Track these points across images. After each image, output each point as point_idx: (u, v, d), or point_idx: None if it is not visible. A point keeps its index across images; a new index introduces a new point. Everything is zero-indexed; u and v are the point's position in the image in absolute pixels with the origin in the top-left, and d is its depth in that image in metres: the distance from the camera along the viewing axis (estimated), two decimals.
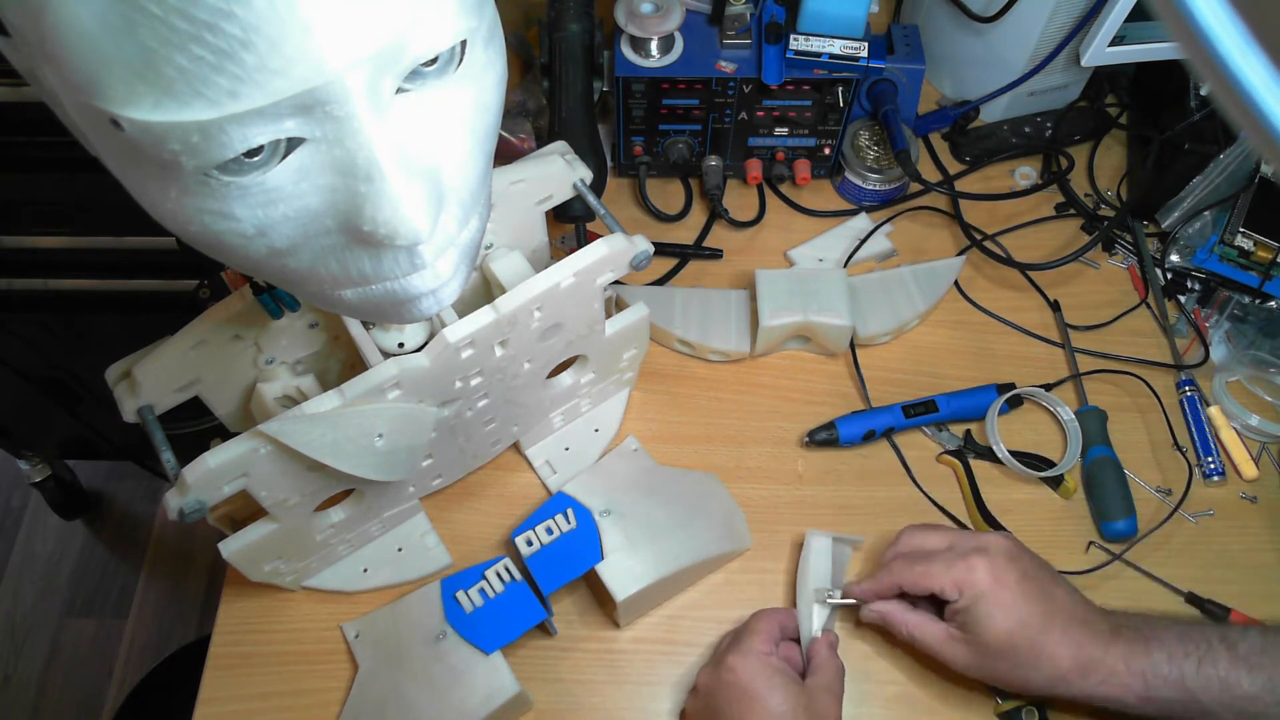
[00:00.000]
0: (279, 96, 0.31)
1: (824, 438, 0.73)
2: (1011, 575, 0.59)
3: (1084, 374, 0.77)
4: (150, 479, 1.65)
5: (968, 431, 0.74)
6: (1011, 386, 0.75)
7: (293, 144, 0.34)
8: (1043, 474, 0.72)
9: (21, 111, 0.87)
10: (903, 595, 0.62)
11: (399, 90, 0.36)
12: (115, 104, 0.31)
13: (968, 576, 0.59)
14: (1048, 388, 0.76)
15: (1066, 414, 0.74)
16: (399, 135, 0.35)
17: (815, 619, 0.63)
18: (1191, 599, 0.67)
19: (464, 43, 0.37)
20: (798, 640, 0.63)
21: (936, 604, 0.61)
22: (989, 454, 0.73)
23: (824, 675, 0.59)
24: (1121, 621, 0.58)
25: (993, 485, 0.72)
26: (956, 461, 0.73)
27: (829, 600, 0.64)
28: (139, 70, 0.30)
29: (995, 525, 0.69)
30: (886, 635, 0.65)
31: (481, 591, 0.62)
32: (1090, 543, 0.70)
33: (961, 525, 0.71)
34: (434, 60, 0.36)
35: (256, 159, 0.34)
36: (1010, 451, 0.72)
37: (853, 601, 0.64)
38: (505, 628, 0.61)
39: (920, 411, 0.73)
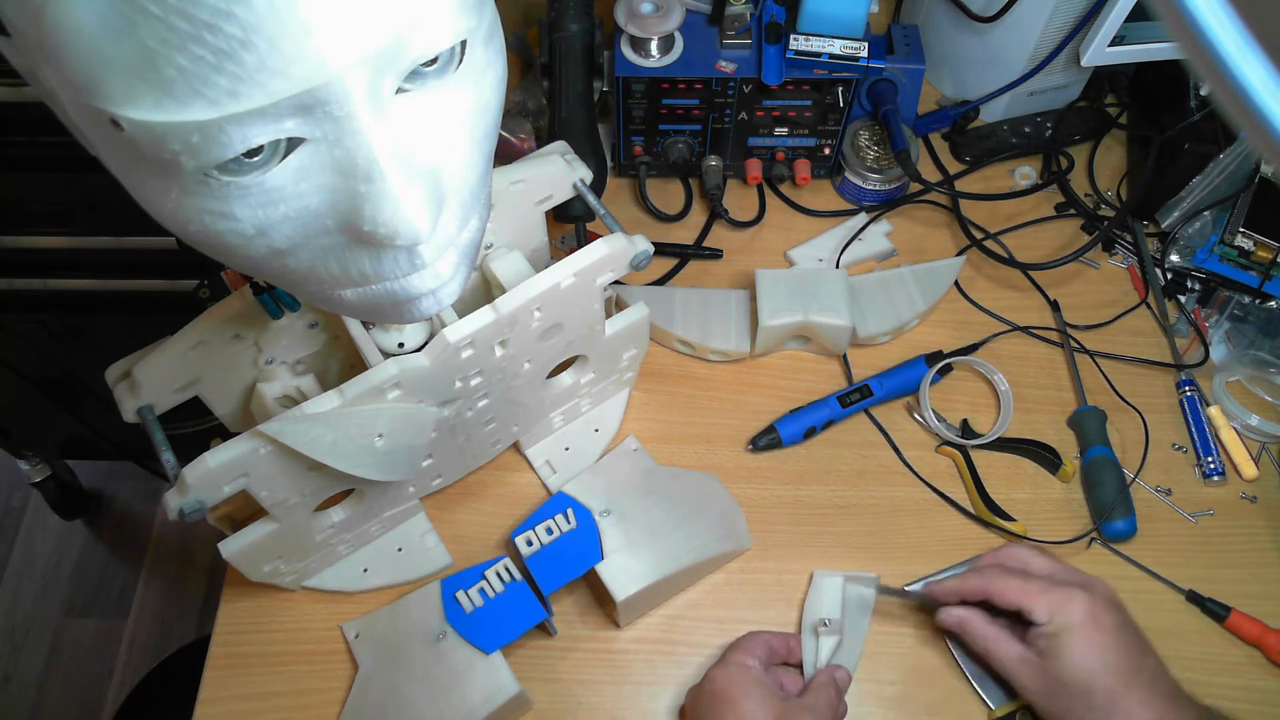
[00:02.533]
0: (279, 96, 0.31)
1: (766, 442, 0.73)
2: (1109, 619, 0.57)
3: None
4: (150, 479, 1.65)
5: (964, 421, 0.74)
6: (940, 355, 0.75)
7: (293, 144, 0.34)
8: (974, 442, 0.73)
9: (21, 111, 0.87)
10: (982, 606, 0.61)
11: (399, 90, 0.36)
12: (115, 104, 0.31)
13: (1065, 604, 0.57)
14: (974, 349, 0.77)
15: (1000, 380, 0.75)
16: (399, 135, 0.35)
17: (821, 650, 0.63)
18: (1192, 598, 0.67)
19: (464, 43, 0.37)
20: (797, 667, 0.63)
21: (1015, 628, 0.60)
22: (997, 445, 0.73)
23: (812, 698, 0.58)
24: (1212, 711, 0.56)
25: (994, 476, 0.72)
26: (956, 452, 0.73)
27: (907, 589, 0.65)
28: (139, 70, 0.30)
29: (1001, 514, 0.69)
30: (885, 638, 0.65)
31: (481, 591, 0.62)
32: (1091, 540, 0.70)
33: (969, 516, 0.71)
34: (434, 60, 0.36)
35: (256, 159, 0.34)
36: (1016, 441, 0.72)
37: (914, 591, 0.65)
38: (505, 628, 0.61)
39: (856, 398, 0.74)
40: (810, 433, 0.73)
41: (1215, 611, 0.67)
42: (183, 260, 1.00)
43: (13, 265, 1.04)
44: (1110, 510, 0.69)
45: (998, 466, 0.73)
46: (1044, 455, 0.73)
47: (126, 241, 1.00)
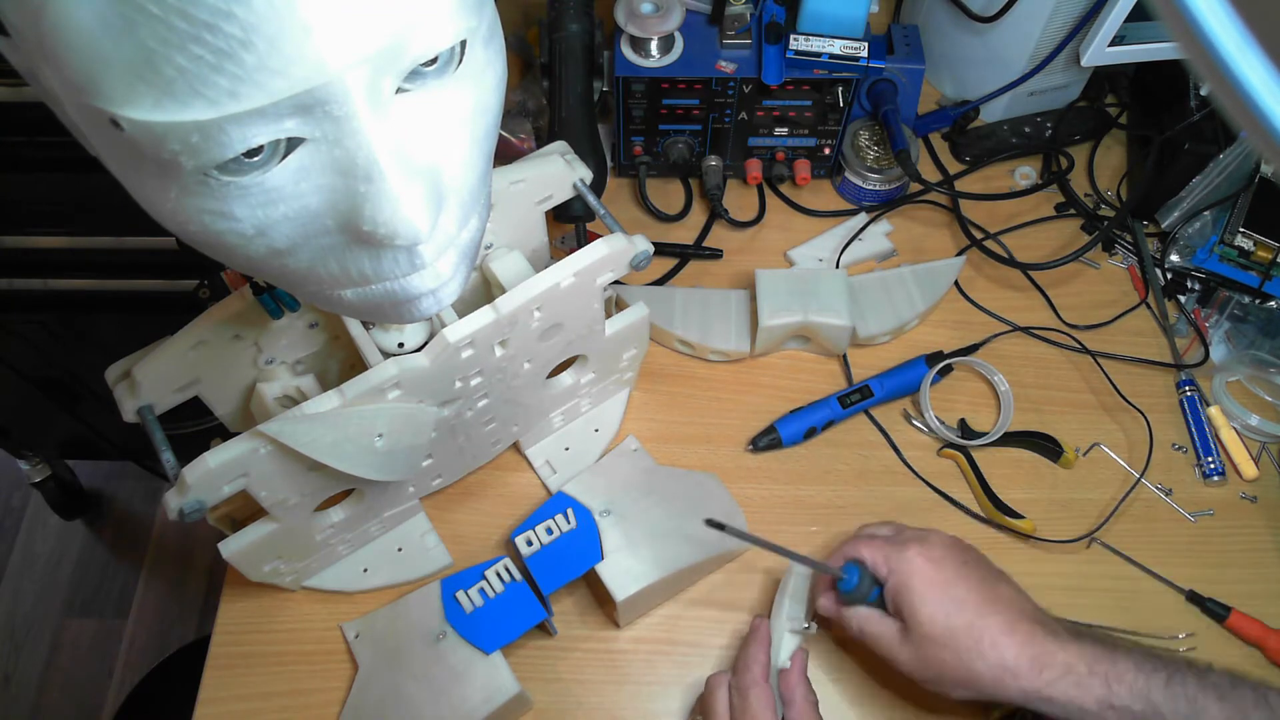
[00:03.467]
0: (279, 96, 0.31)
1: (767, 442, 0.73)
2: (949, 561, 0.56)
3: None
4: (150, 479, 1.65)
5: (962, 420, 0.74)
6: (940, 355, 0.75)
7: (293, 144, 0.34)
8: (976, 443, 0.73)
9: (21, 111, 0.87)
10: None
11: (399, 90, 0.36)
12: (115, 104, 0.31)
13: (898, 554, 0.57)
14: (974, 349, 0.77)
15: (1000, 380, 0.75)
16: (399, 135, 0.35)
17: (782, 650, 0.62)
18: (1192, 598, 0.67)
19: (464, 43, 0.37)
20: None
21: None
22: (998, 439, 0.73)
23: (794, 711, 0.57)
24: (1080, 629, 0.56)
25: (995, 474, 0.72)
26: (959, 454, 0.73)
27: (791, 628, 0.63)
28: (139, 70, 0.30)
29: (1010, 514, 0.69)
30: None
31: (481, 591, 0.62)
32: (1091, 540, 0.70)
33: (973, 516, 0.71)
34: (434, 60, 0.36)
35: (256, 159, 0.34)
36: (1016, 433, 0.72)
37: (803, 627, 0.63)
38: (505, 628, 0.61)
39: (857, 399, 0.74)
40: (810, 433, 0.73)
41: (1215, 611, 0.67)
42: (183, 260, 1.00)
43: (13, 265, 1.04)
44: None
45: (998, 464, 0.73)
46: (1045, 445, 0.73)
47: (126, 241, 1.00)
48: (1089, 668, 0.52)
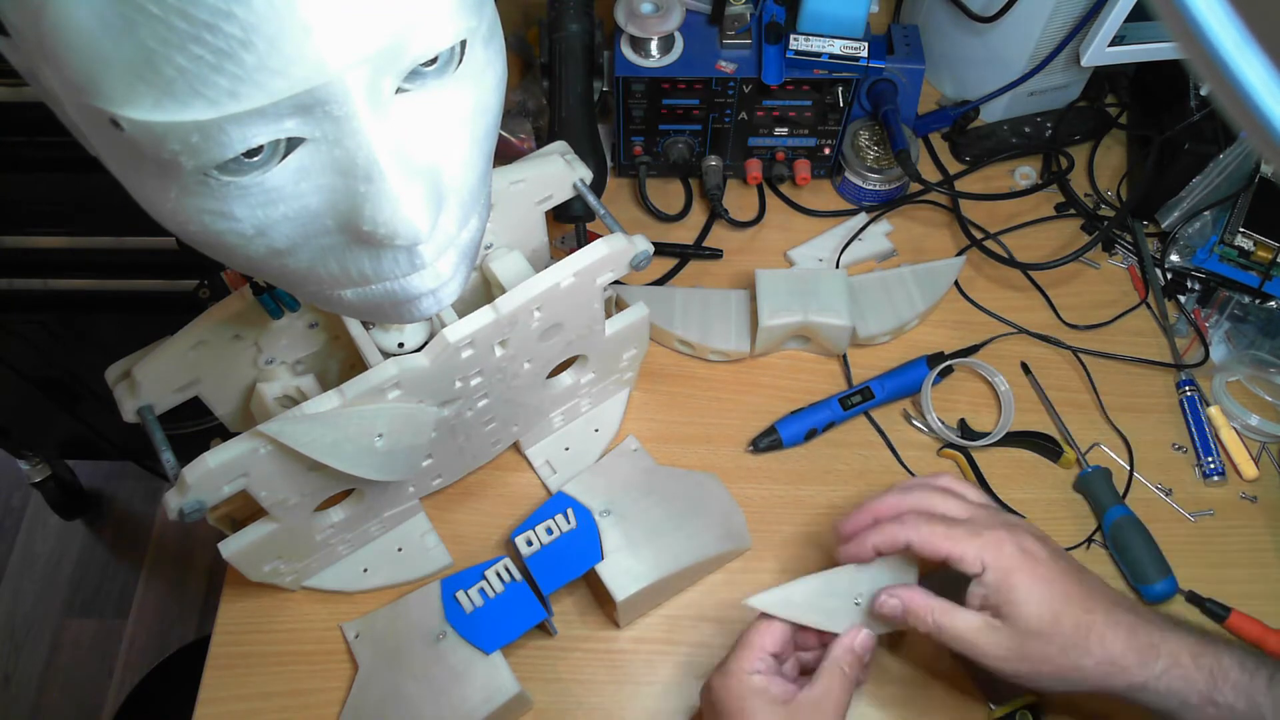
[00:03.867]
0: (279, 96, 0.31)
1: (767, 443, 0.73)
2: (1043, 552, 0.54)
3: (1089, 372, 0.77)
4: (150, 479, 1.65)
5: (962, 420, 0.74)
6: (941, 356, 0.75)
7: (293, 144, 0.34)
8: (976, 444, 0.73)
9: (21, 111, 0.87)
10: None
11: (399, 90, 0.36)
12: (115, 104, 0.31)
13: (996, 549, 0.53)
14: (975, 350, 0.77)
15: (1000, 381, 0.76)
16: (399, 135, 0.35)
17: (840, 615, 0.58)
18: (1192, 598, 0.67)
19: (464, 43, 0.37)
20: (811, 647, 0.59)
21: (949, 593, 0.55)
22: (1004, 440, 0.73)
23: (819, 689, 0.54)
24: (1177, 620, 0.54)
25: (995, 475, 0.72)
26: (959, 454, 0.73)
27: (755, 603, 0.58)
28: (138, 70, 0.30)
29: (1010, 514, 0.69)
30: (884, 637, 0.65)
31: (481, 591, 0.62)
32: (1090, 541, 0.70)
33: None
34: (434, 60, 0.36)
35: (256, 159, 0.34)
36: (1016, 433, 0.72)
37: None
38: (505, 628, 0.61)
39: (858, 400, 0.74)
40: (811, 434, 0.73)
41: (1215, 612, 0.66)
42: (183, 260, 1.00)
43: (13, 265, 1.04)
44: (1147, 573, 0.67)
45: (998, 464, 0.73)
46: (1044, 445, 0.73)
47: (126, 241, 1.00)
48: (1194, 660, 0.51)
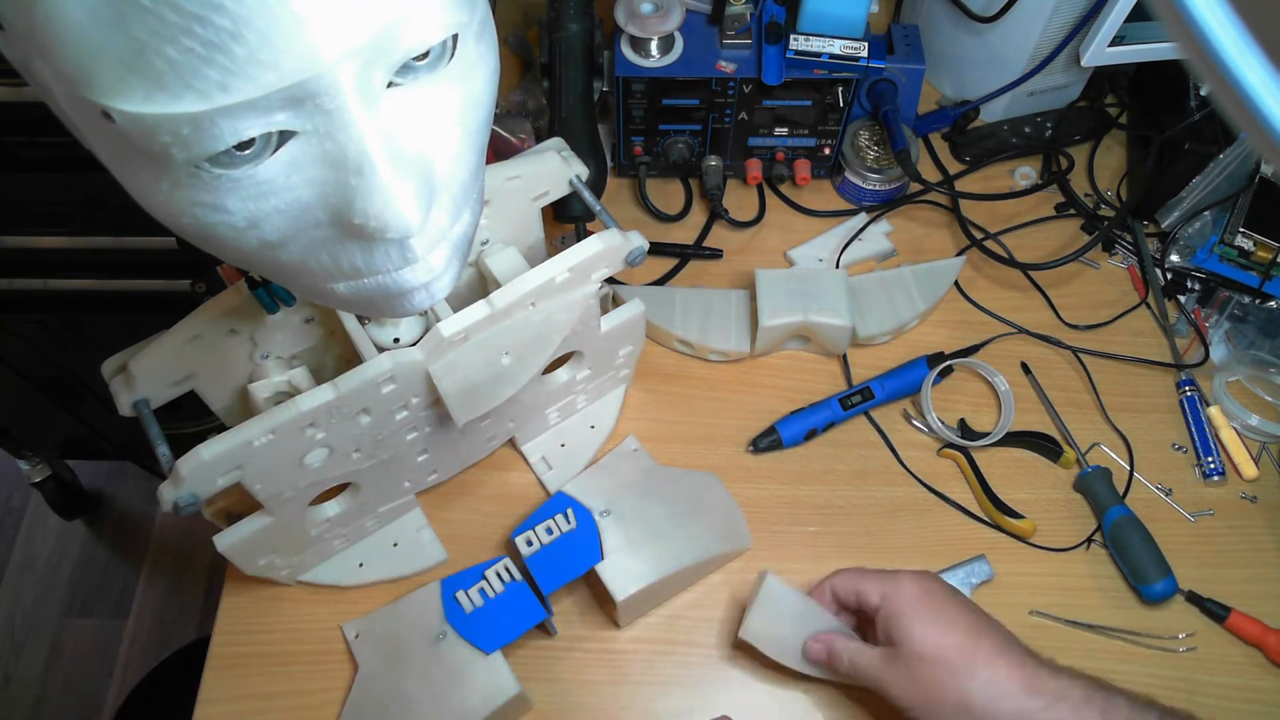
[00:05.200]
0: (269, 89, 0.31)
1: (767, 443, 0.73)
2: (940, 590, 0.57)
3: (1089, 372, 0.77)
4: (150, 479, 1.65)
5: (962, 420, 0.74)
6: (941, 356, 0.75)
7: (284, 137, 0.34)
8: (976, 444, 0.73)
9: (21, 111, 0.87)
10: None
11: (391, 84, 0.36)
12: (106, 96, 0.31)
13: (894, 584, 0.57)
14: (975, 350, 0.77)
15: (1000, 381, 0.75)
16: (390, 129, 0.36)
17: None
18: (1192, 598, 0.67)
19: (455, 37, 0.37)
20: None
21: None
22: (1004, 440, 0.73)
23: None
24: (1068, 667, 0.55)
25: (995, 474, 0.72)
26: (959, 454, 0.73)
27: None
28: (129, 62, 0.30)
29: (1010, 514, 0.69)
30: None
31: (481, 591, 0.62)
32: (1090, 541, 0.70)
33: (972, 517, 0.71)
34: (425, 54, 0.36)
35: (248, 152, 0.34)
36: (1016, 433, 0.72)
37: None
38: (505, 628, 0.61)
39: (857, 400, 0.74)
40: (811, 434, 0.73)
41: (1215, 612, 0.66)
42: (182, 260, 1.00)
43: (13, 265, 1.04)
44: (1147, 573, 0.67)
45: (998, 464, 0.73)
46: (1044, 445, 0.73)
47: (126, 241, 1.00)
48: (1084, 697, 0.52)
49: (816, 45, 0.76)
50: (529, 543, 0.63)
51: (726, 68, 0.77)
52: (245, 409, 0.63)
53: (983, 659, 0.54)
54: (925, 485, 0.72)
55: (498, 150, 0.80)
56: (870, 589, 0.59)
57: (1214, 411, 0.75)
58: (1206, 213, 0.81)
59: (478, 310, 0.55)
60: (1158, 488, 0.72)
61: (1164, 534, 0.70)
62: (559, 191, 0.65)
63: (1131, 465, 0.73)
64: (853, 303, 0.75)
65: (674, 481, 0.69)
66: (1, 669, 1.52)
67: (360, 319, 0.58)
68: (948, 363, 0.75)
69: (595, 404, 0.74)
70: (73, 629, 1.56)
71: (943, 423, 0.74)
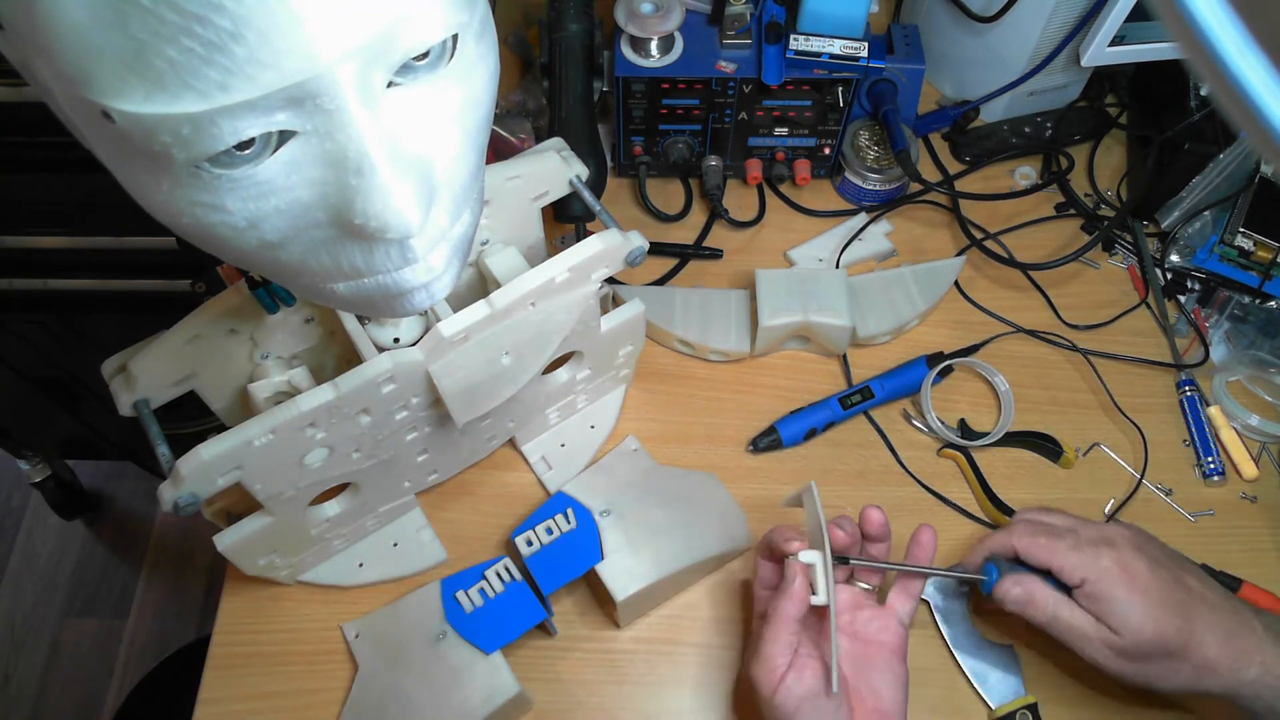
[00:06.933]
0: (269, 89, 0.31)
1: (767, 443, 0.73)
2: (1141, 564, 0.56)
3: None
4: (150, 479, 1.65)
5: (962, 420, 0.74)
6: (941, 356, 0.75)
7: (284, 137, 0.34)
8: (976, 443, 0.73)
9: (21, 111, 0.87)
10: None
11: (391, 84, 0.36)
12: (106, 96, 0.31)
13: (1094, 563, 0.56)
14: (975, 349, 0.77)
15: (1000, 381, 0.76)
16: (390, 129, 0.36)
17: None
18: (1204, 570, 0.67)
19: (455, 37, 0.37)
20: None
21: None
22: (1004, 440, 0.73)
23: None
24: (1272, 621, 0.56)
25: (995, 474, 0.72)
26: (959, 454, 0.73)
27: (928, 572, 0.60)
28: (129, 62, 0.30)
29: (1010, 514, 0.69)
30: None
31: (481, 591, 0.62)
32: None
33: (972, 518, 0.71)
34: (425, 54, 0.36)
35: (248, 152, 0.34)
36: (1016, 433, 0.72)
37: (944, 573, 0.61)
38: (505, 628, 0.61)
39: (857, 400, 0.74)
40: (811, 434, 0.73)
41: (1227, 584, 0.67)
42: (182, 260, 1.00)
43: (13, 265, 1.04)
44: None
45: (998, 464, 0.73)
46: (1044, 445, 0.73)
47: (126, 241, 1.00)
48: None
49: (816, 45, 0.76)
50: (529, 543, 0.63)
51: (726, 68, 0.77)
52: (245, 409, 0.63)
53: (1195, 641, 0.54)
54: (924, 486, 0.72)
55: (498, 150, 0.80)
56: (1066, 566, 0.56)
57: (1214, 411, 0.75)
58: (1206, 213, 0.81)
59: (478, 310, 0.55)
60: (1158, 487, 0.72)
61: (1164, 534, 0.70)
62: (559, 191, 0.65)
63: (1145, 461, 0.73)
64: (853, 303, 0.75)
65: (674, 481, 0.69)
66: (1, 669, 1.52)
67: (360, 319, 0.58)
68: (947, 363, 0.75)
69: (595, 404, 0.74)
70: (73, 629, 1.56)
71: (942, 423, 0.74)
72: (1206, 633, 0.54)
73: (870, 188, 0.84)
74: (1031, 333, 0.79)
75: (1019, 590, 0.58)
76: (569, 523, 0.64)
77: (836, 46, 0.76)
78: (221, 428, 0.64)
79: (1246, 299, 0.79)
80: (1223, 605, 0.56)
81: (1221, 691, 0.55)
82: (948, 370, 0.76)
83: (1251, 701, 0.54)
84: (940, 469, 0.73)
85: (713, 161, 0.84)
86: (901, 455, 0.74)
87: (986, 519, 0.71)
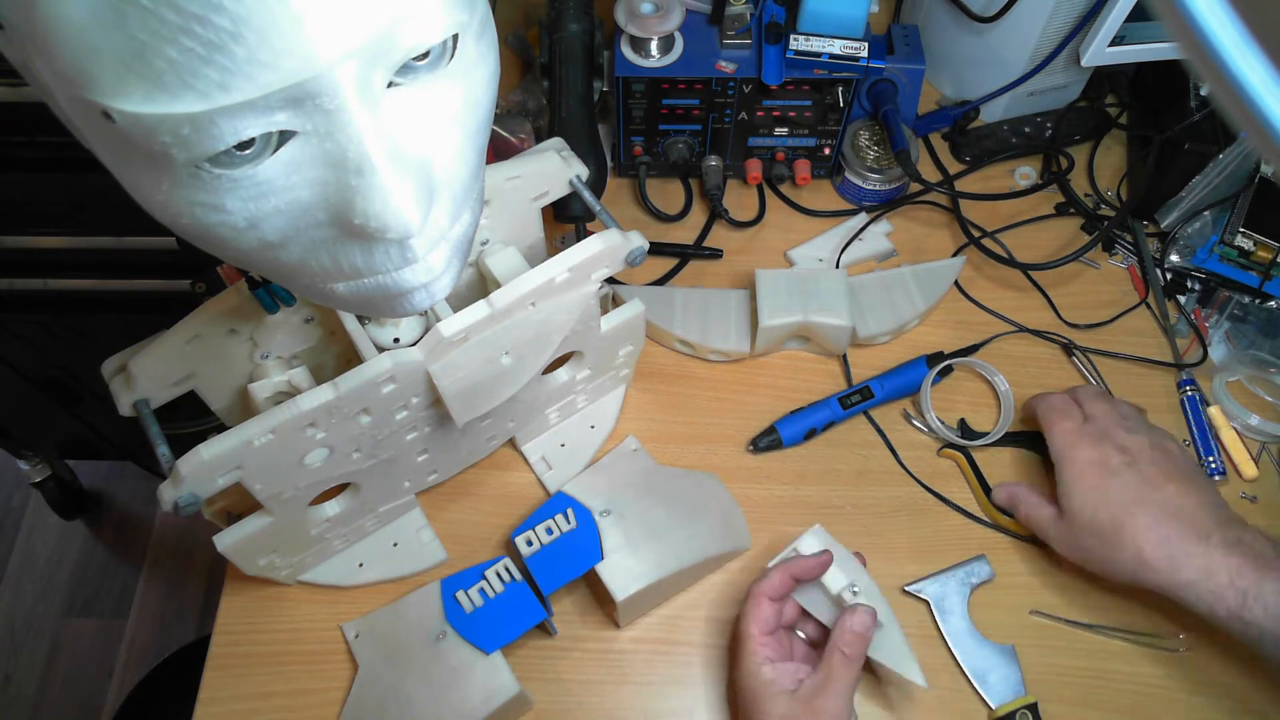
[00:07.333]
0: (269, 89, 0.31)
1: (767, 443, 0.73)
2: (1114, 460, 0.63)
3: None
4: (150, 479, 1.65)
5: (962, 420, 0.74)
6: (941, 356, 0.75)
7: (284, 137, 0.34)
8: (976, 443, 0.73)
9: (21, 111, 0.87)
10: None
11: (391, 84, 0.36)
12: (106, 96, 0.31)
13: (1074, 450, 0.64)
14: (975, 349, 0.77)
15: (1001, 381, 0.76)
16: (390, 129, 0.36)
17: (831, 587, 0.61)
18: None
19: (455, 37, 0.37)
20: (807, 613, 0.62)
21: None
22: (1004, 440, 0.74)
23: (820, 675, 0.56)
24: (1249, 539, 0.59)
25: (995, 475, 0.72)
26: (959, 454, 0.73)
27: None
28: (129, 62, 0.30)
29: (1009, 514, 0.69)
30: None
31: (481, 591, 0.62)
32: None
33: (972, 518, 0.71)
34: (425, 54, 0.36)
35: (248, 152, 0.34)
36: (1015, 433, 0.72)
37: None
38: (505, 628, 0.61)
39: (857, 400, 0.74)
40: (811, 434, 0.73)
41: None
42: (182, 260, 1.00)
43: (13, 265, 1.04)
44: None
45: (996, 464, 0.73)
46: (1044, 445, 0.73)
47: (126, 241, 1.00)
48: (1230, 579, 0.57)
49: (816, 45, 0.76)
50: (529, 543, 0.63)
51: (726, 68, 0.77)
52: (245, 409, 0.63)
53: (1130, 534, 0.60)
54: (924, 486, 0.72)
55: (498, 150, 0.80)
56: (1053, 442, 0.66)
57: (1214, 411, 0.75)
58: (1207, 213, 0.81)
59: (478, 310, 0.55)
60: None
61: None
62: (559, 191, 0.65)
63: None
64: (853, 303, 0.75)
65: (674, 481, 0.70)
66: (1, 669, 1.52)
67: (360, 319, 0.58)
68: (947, 362, 0.75)
69: (595, 404, 0.74)
70: (73, 629, 1.56)
71: (942, 423, 0.74)
72: (1146, 530, 0.60)
73: (870, 188, 0.84)
74: (1034, 332, 0.79)
75: (1004, 493, 0.69)
76: (569, 523, 0.64)
77: (836, 47, 0.76)
78: (221, 428, 0.64)
79: (1246, 299, 0.79)
80: (1182, 515, 0.60)
81: (1158, 588, 0.60)
82: (947, 370, 0.76)
83: (1194, 604, 0.59)
84: (940, 469, 0.73)
85: (713, 161, 0.84)
86: (901, 455, 0.74)
87: (986, 519, 0.71)
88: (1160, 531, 0.60)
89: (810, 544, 0.64)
